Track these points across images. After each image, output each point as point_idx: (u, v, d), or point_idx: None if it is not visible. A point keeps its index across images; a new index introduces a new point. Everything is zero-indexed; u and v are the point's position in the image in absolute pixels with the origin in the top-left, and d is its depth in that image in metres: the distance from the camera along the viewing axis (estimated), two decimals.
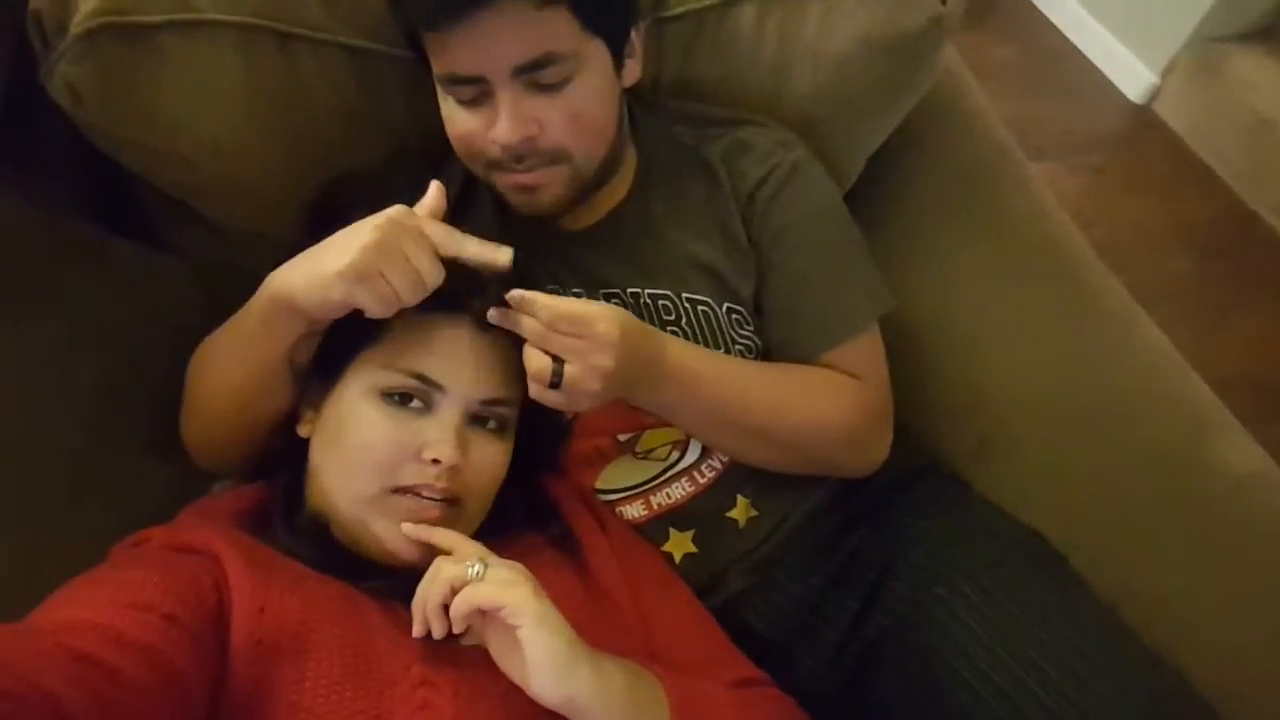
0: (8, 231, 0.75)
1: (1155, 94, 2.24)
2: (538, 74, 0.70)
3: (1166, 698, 0.69)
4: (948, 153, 1.04)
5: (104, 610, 0.53)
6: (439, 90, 0.75)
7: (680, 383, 0.74)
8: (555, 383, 0.66)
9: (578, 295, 0.82)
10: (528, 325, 0.66)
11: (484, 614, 0.59)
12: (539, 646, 0.56)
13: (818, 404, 0.80)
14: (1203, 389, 0.89)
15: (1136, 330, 0.92)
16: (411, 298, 0.64)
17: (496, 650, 0.60)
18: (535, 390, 0.67)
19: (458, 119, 0.74)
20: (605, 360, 0.66)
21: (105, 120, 0.78)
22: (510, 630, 0.58)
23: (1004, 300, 0.96)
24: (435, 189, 0.68)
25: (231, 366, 0.72)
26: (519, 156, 0.73)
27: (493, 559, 0.61)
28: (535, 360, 0.66)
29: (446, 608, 0.59)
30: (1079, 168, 2.11)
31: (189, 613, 0.56)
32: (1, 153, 0.77)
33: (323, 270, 0.63)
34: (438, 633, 0.59)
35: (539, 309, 0.66)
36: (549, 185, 0.76)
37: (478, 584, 0.58)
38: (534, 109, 0.71)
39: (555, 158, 0.74)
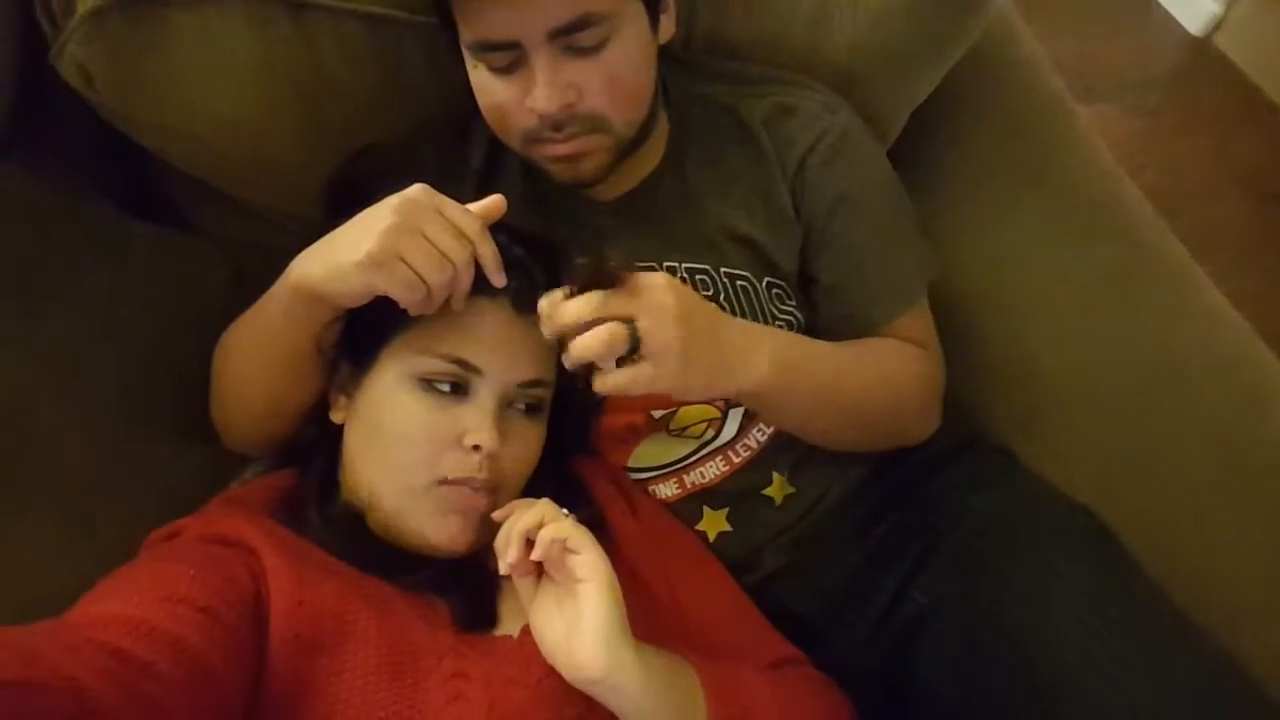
0: (28, 219, 0.75)
1: (1217, 25, 2.11)
2: (575, 36, 0.66)
3: (1221, 686, 0.67)
4: (996, 107, 0.99)
5: (138, 604, 0.53)
6: (468, 60, 0.71)
7: (784, 368, 0.69)
8: (634, 345, 0.58)
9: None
10: (579, 304, 0.59)
11: (543, 572, 0.61)
12: (598, 610, 0.57)
13: (899, 378, 0.80)
14: (1265, 355, 0.85)
15: (1195, 294, 0.88)
16: (438, 279, 0.60)
17: (541, 611, 0.60)
18: (626, 377, 0.59)
19: (491, 89, 0.70)
20: (669, 299, 0.60)
21: (118, 101, 0.76)
22: (565, 592, 0.59)
23: (1056, 264, 0.91)
24: (496, 199, 0.64)
25: (257, 356, 0.71)
26: (558, 125, 0.69)
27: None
28: (604, 332, 0.57)
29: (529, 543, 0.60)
30: (1133, 108, 2.01)
31: (225, 606, 0.56)
32: (19, 137, 0.76)
33: (340, 260, 0.61)
34: (513, 558, 0.59)
35: (577, 287, 0.60)
36: (590, 154, 0.72)
37: (567, 522, 0.60)
38: (572, 74, 0.67)
39: (595, 125, 0.70)
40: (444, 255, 0.60)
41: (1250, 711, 0.67)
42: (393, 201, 0.61)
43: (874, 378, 0.78)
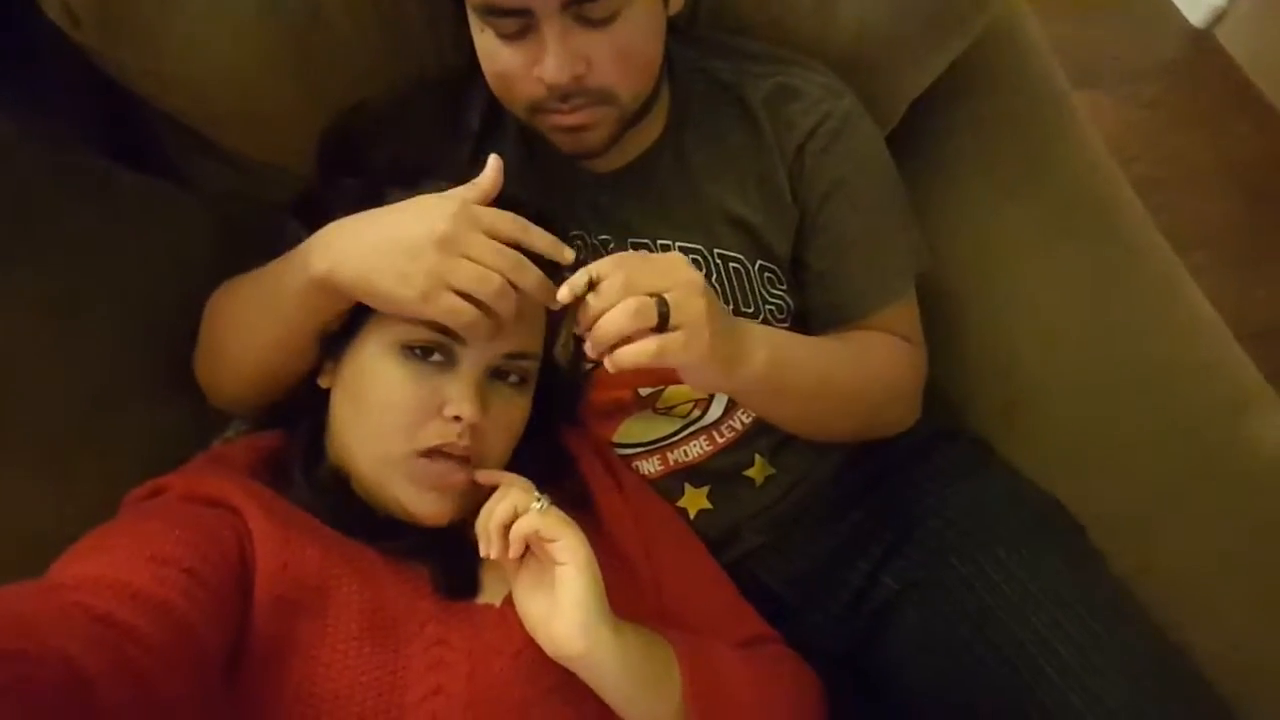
0: (13, 168, 0.72)
1: (1219, 18, 2.10)
2: (586, 7, 0.64)
3: (1179, 688, 0.69)
4: (996, 98, 0.98)
5: (123, 565, 0.53)
6: (474, 24, 0.69)
7: (776, 362, 0.69)
8: (664, 314, 0.58)
9: (604, 243, 0.79)
10: (605, 287, 0.59)
11: (528, 548, 0.62)
12: (576, 591, 0.59)
13: (886, 374, 0.80)
14: (1243, 361, 0.86)
15: (1179, 297, 0.89)
16: (488, 293, 0.60)
17: (524, 588, 0.62)
18: (655, 345, 0.57)
19: (497, 56, 0.68)
20: (691, 274, 0.61)
21: (106, 44, 0.73)
22: (547, 570, 0.60)
23: (1043, 261, 0.92)
24: (494, 165, 0.64)
25: (258, 328, 0.70)
26: (565, 96, 0.68)
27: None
28: (632, 305, 0.57)
29: (506, 531, 0.61)
30: (1128, 97, 2.00)
31: (209, 567, 0.56)
32: (3, 83, 0.73)
33: (388, 290, 0.60)
34: (494, 554, 0.61)
35: (595, 272, 0.59)
36: (596, 126, 0.71)
37: (541, 512, 0.61)
38: (582, 45, 0.66)
39: (602, 97, 0.69)
40: (496, 281, 0.60)
41: (1200, 709, 0.70)
42: (435, 224, 0.60)
43: (861, 373, 0.78)
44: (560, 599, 0.59)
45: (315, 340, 0.69)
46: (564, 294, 0.59)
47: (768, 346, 0.69)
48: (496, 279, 0.60)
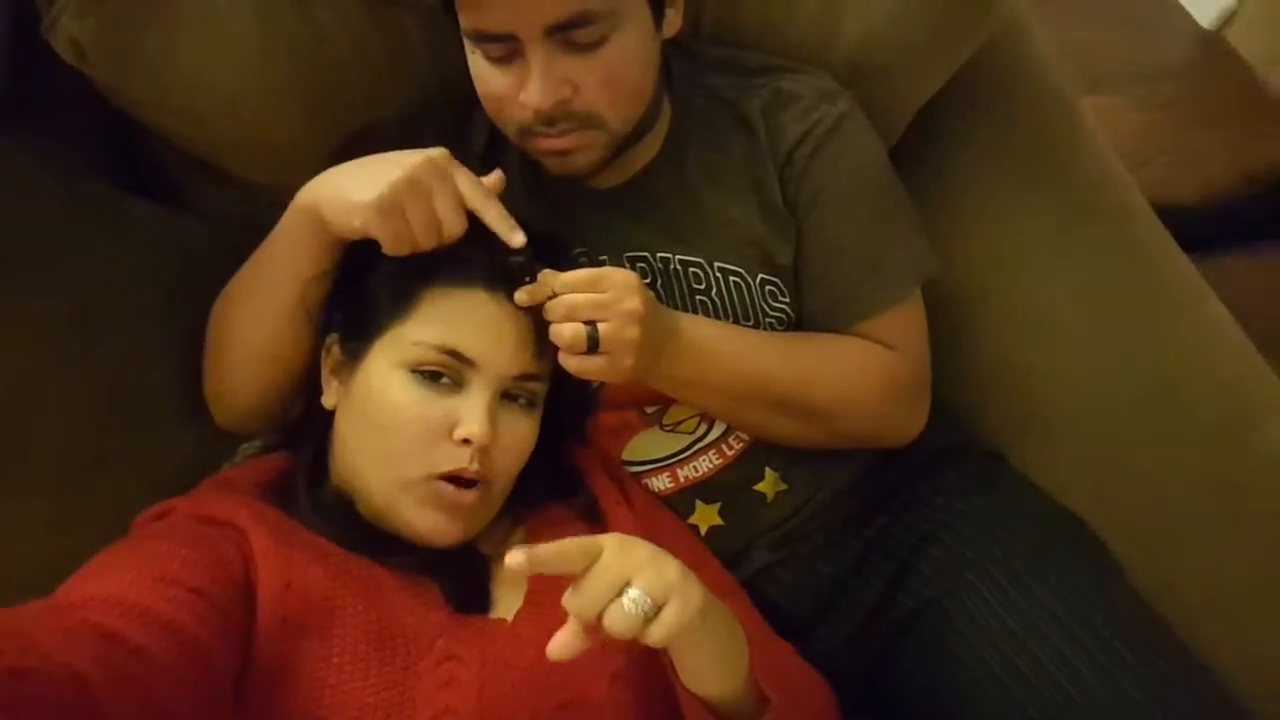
0: (23, 197, 0.73)
1: (1229, 18, 2.09)
2: (572, 34, 0.65)
3: (1208, 707, 0.68)
4: (1004, 107, 0.97)
5: (131, 585, 0.53)
6: (467, 46, 0.70)
7: (698, 356, 0.72)
8: (593, 346, 0.65)
9: (603, 264, 0.79)
10: (551, 304, 0.65)
11: None
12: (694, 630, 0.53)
13: (844, 376, 0.78)
14: (1262, 369, 0.85)
15: (1197, 307, 0.88)
16: (426, 242, 0.65)
17: None
18: (575, 364, 0.66)
19: (487, 78, 0.70)
20: (634, 304, 0.65)
21: (112, 76, 0.74)
22: None
23: (1060, 272, 0.91)
24: (496, 177, 0.69)
25: (251, 298, 0.73)
26: (550, 120, 0.69)
27: (642, 573, 0.52)
28: (566, 332, 0.64)
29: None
30: (1140, 100, 1.98)
31: (216, 586, 0.57)
32: (13, 113, 0.75)
33: (351, 195, 0.64)
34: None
35: (555, 285, 0.65)
36: (583, 149, 0.72)
37: (653, 631, 0.51)
38: (567, 70, 0.67)
39: (588, 122, 0.70)
40: (439, 223, 0.65)
41: None
42: (413, 158, 0.65)
43: (814, 372, 0.77)
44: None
45: (299, 313, 0.71)
46: (521, 298, 0.65)
47: (689, 334, 0.72)
48: (438, 237, 0.65)
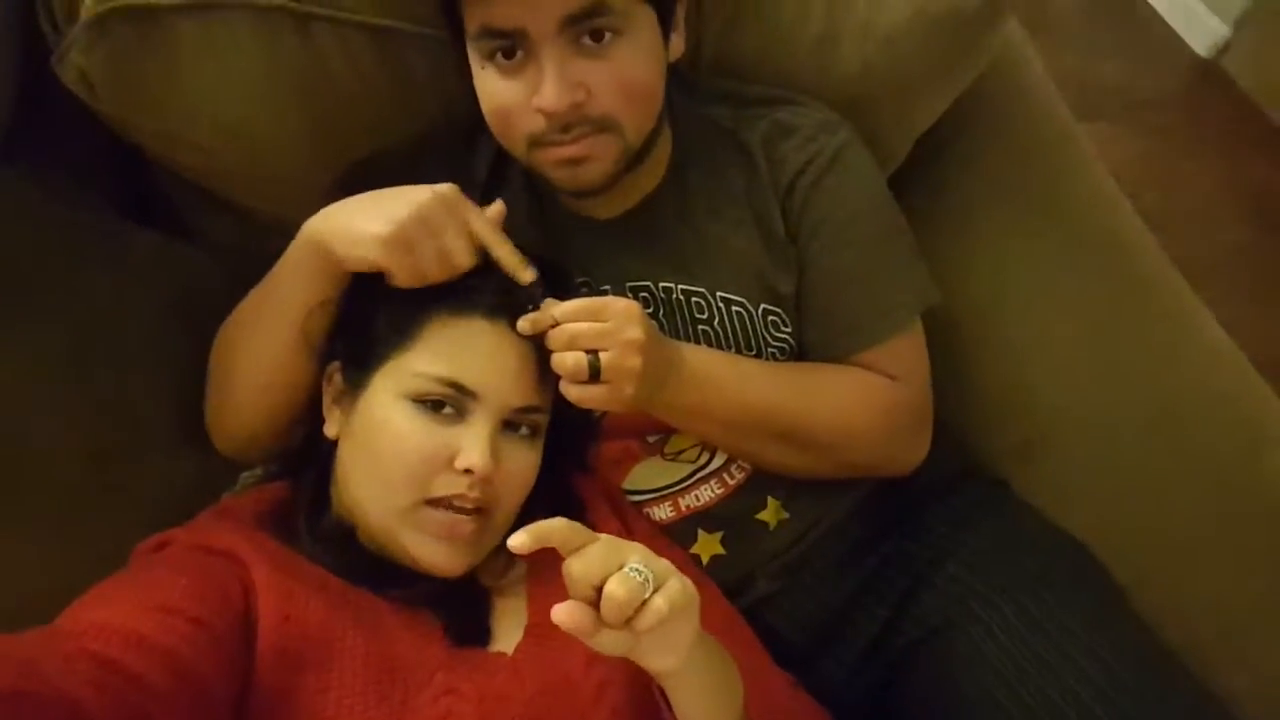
0: (27, 227, 0.74)
1: (1224, 47, 2.11)
2: (587, 24, 0.64)
3: None
4: (1003, 134, 0.98)
5: (130, 614, 0.53)
6: (474, 62, 0.69)
7: (700, 386, 0.73)
8: (594, 375, 0.65)
9: (605, 294, 0.79)
10: (553, 333, 0.65)
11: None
12: (690, 631, 0.53)
13: (845, 406, 0.78)
14: (1263, 393, 0.85)
15: (1195, 330, 0.88)
16: (435, 276, 0.66)
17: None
18: (576, 393, 0.66)
19: (496, 91, 0.68)
20: (635, 333, 0.65)
21: (120, 108, 0.75)
22: None
23: (1057, 297, 0.91)
24: (498, 207, 0.70)
25: (253, 328, 0.73)
26: (565, 126, 0.67)
27: (636, 554, 0.52)
28: (568, 361, 0.65)
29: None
30: (1135, 128, 2.01)
31: (216, 616, 0.56)
32: (20, 143, 0.75)
33: (361, 229, 0.64)
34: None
35: (557, 314, 0.65)
36: (597, 158, 0.70)
37: (661, 598, 0.50)
38: (581, 73, 0.66)
39: (604, 125, 0.68)
40: (450, 258, 0.65)
41: None
42: (423, 193, 0.65)
43: (814, 402, 0.77)
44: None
45: (301, 342, 0.71)
46: (524, 326, 0.66)
47: (691, 364, 0.73)
48: (448, 274, 0.66)
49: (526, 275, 0.67)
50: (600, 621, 0.49)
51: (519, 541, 0.50)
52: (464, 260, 0.66)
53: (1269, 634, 0.77)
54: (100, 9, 0.70)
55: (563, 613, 0.49)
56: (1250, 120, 2.04)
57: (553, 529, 0.51)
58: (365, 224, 0.64)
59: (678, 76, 0.83)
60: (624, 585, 0.49)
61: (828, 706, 0.75)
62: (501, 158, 0.79)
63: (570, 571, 0.50)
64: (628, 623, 0.49)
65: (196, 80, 0.75)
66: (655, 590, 0.50)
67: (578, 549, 0.51)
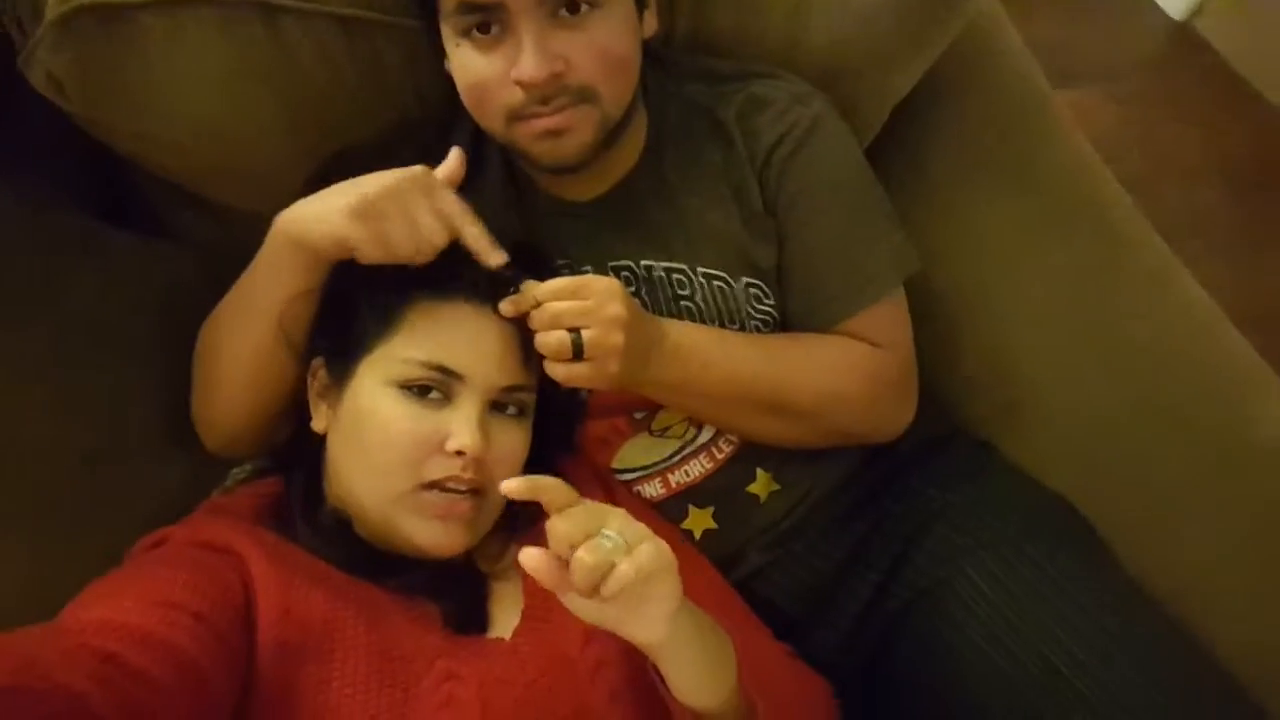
0: (1, 231, 0.73)
1: (1198, 9, 2.11)
2: None
3: (1197, 681, 0.68)
4: (979, 101, 0.98)
5: (131, 610, 0.53)
6: (448, 41, 0.70)
7: (684, 360, 0.73)
8: (578, 353, 0.65)
9: (586, 274, 0.79)
10: (535, 313, 0.66)
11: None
12: (669, 599, 0.54)
13: (830, 374, 0.78)
14: (1243, 348, 0.86)
15: (1174, 289, 0.89)
16: (406, 251, 0.65)
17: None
18: (561, 372, 0.66)
19: (473, 67, 0.68)
20: (617, 309, 0.66)
21: (90, 108, 0.75)
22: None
23: (1036, 260, 0.92)
24: (455, 154, 0.69)
25: (233, 324, 0.73)
26: (544, 98, 0.67)
27: (616, 520, 0.54)
28: (551, 340, 0.65)
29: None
30: (1112, 93, 2.01)
31: (216, 611, 0.57)
32: None
33: (331, 204, 0.64)
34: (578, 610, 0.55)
35: (538, 294, 0.65)
36: (576, 129, 0.70)
37: (628, 563, 0.51)
38: (559, 44, 0.66)
39: (583, 96, 0.69)
40: (420, 232, 0.65)
41: (1224, 703, 0.68)
42: (397, 171, 0.65)
43: (799, 372, 0.77)
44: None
45: (279, 339, 0.70)
46: (505, 308, 0.66)
47: (675, 339, 0.73)
48: (415, 250, 0.65)
49: (495, 258, 0.66)
50: (570, 582, 0.51)
51: (513, 485, 0.53)
52: (437, 238, 0.65)
53: (1252, 591, 0.78)
54: (65, 8, 0.69)
55: (532, 558, 0.51)
56: (1226, 81, 2.04)
57: (546, 483, 0.54)
58: (333, 201, 0.65)
59: (652, 55, 0.83)
60: (592, 552, 0.50)
61: (825, 674, 0.76)
62: (478, 146, 0.79)
63: (553, 529, 0.52)
64: (596, 589, 0.50)
65: (166, 77, 0.74)
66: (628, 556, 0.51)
67: (562, 509, 0.53)
